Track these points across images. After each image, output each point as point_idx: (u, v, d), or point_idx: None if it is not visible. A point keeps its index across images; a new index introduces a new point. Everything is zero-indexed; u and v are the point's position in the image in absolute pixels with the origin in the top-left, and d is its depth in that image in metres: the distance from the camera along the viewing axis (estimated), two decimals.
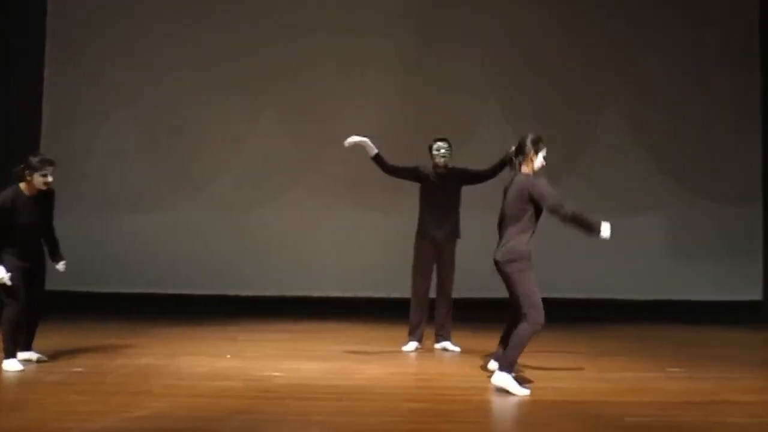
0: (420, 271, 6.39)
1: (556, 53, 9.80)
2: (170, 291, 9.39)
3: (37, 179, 5.38)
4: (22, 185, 5.39)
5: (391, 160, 6.45)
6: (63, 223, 9.38)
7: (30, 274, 5.40)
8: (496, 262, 4.84)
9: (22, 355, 5.35)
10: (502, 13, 9.91)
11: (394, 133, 8.68)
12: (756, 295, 9.69)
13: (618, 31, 9.91)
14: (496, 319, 8.45)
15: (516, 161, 4.98)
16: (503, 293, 9.42)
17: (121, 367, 5.27)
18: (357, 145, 6.16)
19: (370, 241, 9.34)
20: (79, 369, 5.17)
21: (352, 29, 9.82)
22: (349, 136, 6.15)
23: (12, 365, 5.13)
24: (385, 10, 9.86)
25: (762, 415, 4.16)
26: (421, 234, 6.39)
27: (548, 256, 9.53)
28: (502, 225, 4.97)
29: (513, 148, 5.12)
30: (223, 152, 9.76)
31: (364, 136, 6.13)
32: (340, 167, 9.12)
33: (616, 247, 9.59)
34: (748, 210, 9.80)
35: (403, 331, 6.46)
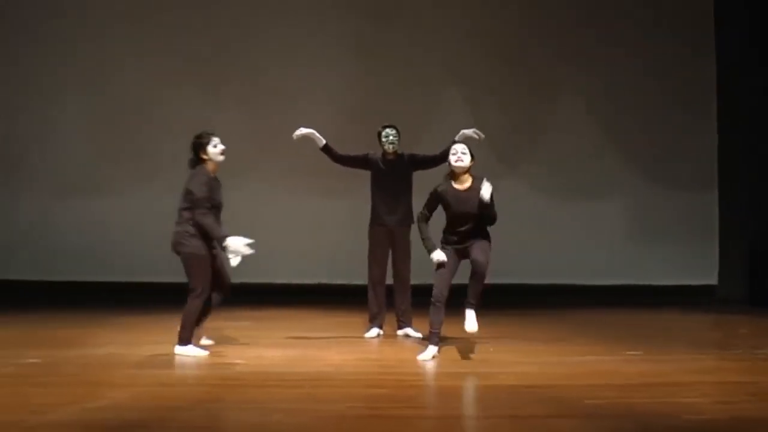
0: (375, 259, 6.40)
1: (515, 41, 9.89)
2: (130, 279, 9.28)
3: (212, 151, 5.36)
4: (206, 166, 5.37)
5: (350, 149, 6.45)
6: (17, 211, 9.36)
7: (214, 260, 5.39)
8: None
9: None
10: (461, 0, 9.96)
11: (352, 122, 8.68)
12: (711, 279, 9.92)
13: (577, 19, 10.03)
14: (459, 305, 8.52)
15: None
16: (465, 280, 9.51)
17: (79, 357, 5.19)
18: (306, 137, 6.19)
19: (333, 228, 9.32)
20: (34, 360, 5.05)
21: (309, 15, 9.77)
22: (307, 123, 6.17)
23: (189, 351, 5.25)
24: None
25: (713, 394, 4.27)
26: (375, 221, 6.40)
27: (508, 242, 9.66)
28: None
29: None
30: (181, 138, 9.59)
31: (311, 127, 6.20)
32: (300, 153, 9.04)
33: (575, 234, 9.84)
34: (704, 196, 10.00)
35: (365, 318, 6.48)
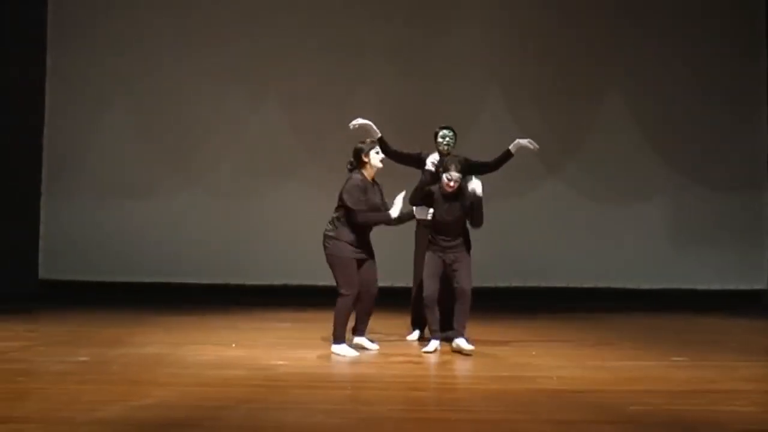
0: (422, 260, 6.37)
1: (556, 41, 9.80)
2: (173, 280, 9.43)
3: (374, 157, 5.60)
4: (364, 171, 5.63)
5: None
6: (65, 212, 9.57)
7: (363, 262, 5.62)
8: None
9: (358, 340, 5.77)
10: (502, 0, 9.90)
11: (393, 122, 8.66)
12: (760, 283, 9.71)
13: (619, 19, 9.91)
14: (501, 308, 8.49)
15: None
16: (507, 282, 9.45)
17: (125, 356, 5.29)
18: (362, 128, 6.19)
19: (376, 230, 9.33)
20: (83, 358, 5.17)
21: (351, 16, 9.81)
22: (348, 124, 6.18)
23: (341, 350, 5.49)
24: None
25: (764, 404, 4.17)
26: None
27: (550, 245, 9.60)
28: None
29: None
30: (224, 140, 9.76)
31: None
32: (340, 156, 9.07)
33: (618, 236, 9.70)
34: (752, 198, 9.79)
35: (406, 320, 6.47)
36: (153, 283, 9.37)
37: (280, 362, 5.15)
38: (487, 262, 9.35)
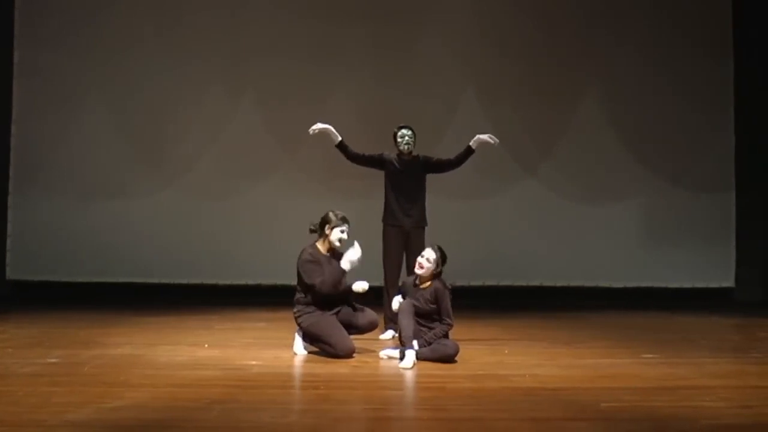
0: (390, 260, 6.38)
1: (532, 44, 9.88)
2: (147, 280, 9.37)
3: (334, 236, 5.47)
4: (320, 242, 5.51)
5: (369, 149, 6.45)
6: (39, 212, 9.45)
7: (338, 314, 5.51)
8: None
9: None
10: (478, 1, 9.94)
11: (371, 122, 8.69)
12: (728, 282, 9.86)
13: (593, 22, 10.01)
14: (474, 307, 8.54)
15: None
16: (480, 281, 9.47)
17: (98, 357, 5.23)
18: (322, 133, 6.21)
19: (351, 229, 9.33)
20: (54, 360, 5.10)
21: (328, 16, 9.79)
22: (326, 123, 6.20)
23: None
24: None
25: (732, 399, 4.23)
26: (389, 222, 6.38)
27: (525, 244, 9.67)
28: None
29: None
30: (200, 139, 9.70)
31: (328, 124, 6.23)
32: (318, 154, 9.07)
33: (591, 236, 9.80)
34: (721, 199, 9.96)
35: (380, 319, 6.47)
36: (127, 284, 9.31)
37: (255, 362, 5.13)
38: (460, 261, 9.39)
